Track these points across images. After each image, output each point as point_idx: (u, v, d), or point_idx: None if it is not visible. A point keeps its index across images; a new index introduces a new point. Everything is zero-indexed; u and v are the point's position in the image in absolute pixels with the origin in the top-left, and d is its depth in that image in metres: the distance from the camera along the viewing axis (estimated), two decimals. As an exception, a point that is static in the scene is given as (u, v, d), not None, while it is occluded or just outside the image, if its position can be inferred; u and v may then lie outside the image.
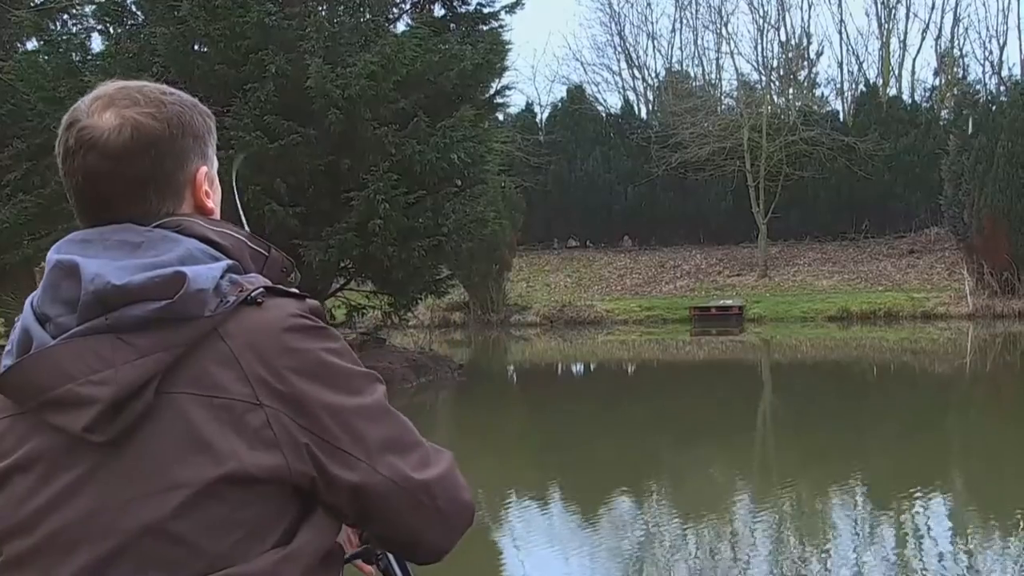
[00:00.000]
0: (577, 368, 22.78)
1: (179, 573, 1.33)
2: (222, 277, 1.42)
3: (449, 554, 1.56)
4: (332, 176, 15.59)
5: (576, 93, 39.65)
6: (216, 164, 1.62)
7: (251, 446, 1.36)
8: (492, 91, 18.37)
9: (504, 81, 18.66)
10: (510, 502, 8.63)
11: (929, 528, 7.52)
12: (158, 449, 1.35)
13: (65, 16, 19.08)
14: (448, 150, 15.65)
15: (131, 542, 1.33)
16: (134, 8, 16.88)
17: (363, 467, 1.41)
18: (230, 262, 1.45)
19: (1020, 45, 57.79)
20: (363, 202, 15.06)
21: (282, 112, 14.81)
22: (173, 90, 1.54)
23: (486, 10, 17.89)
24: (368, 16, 16.92)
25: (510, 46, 17.83)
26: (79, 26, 18.49)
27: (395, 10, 18.01)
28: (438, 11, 18.10)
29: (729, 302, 30.80)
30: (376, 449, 1.42)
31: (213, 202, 1.57)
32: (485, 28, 17.71)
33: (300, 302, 1.47)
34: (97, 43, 17.48)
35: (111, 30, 16.93)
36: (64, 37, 16.94)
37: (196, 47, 15.65)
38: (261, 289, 1.44)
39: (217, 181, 1.61)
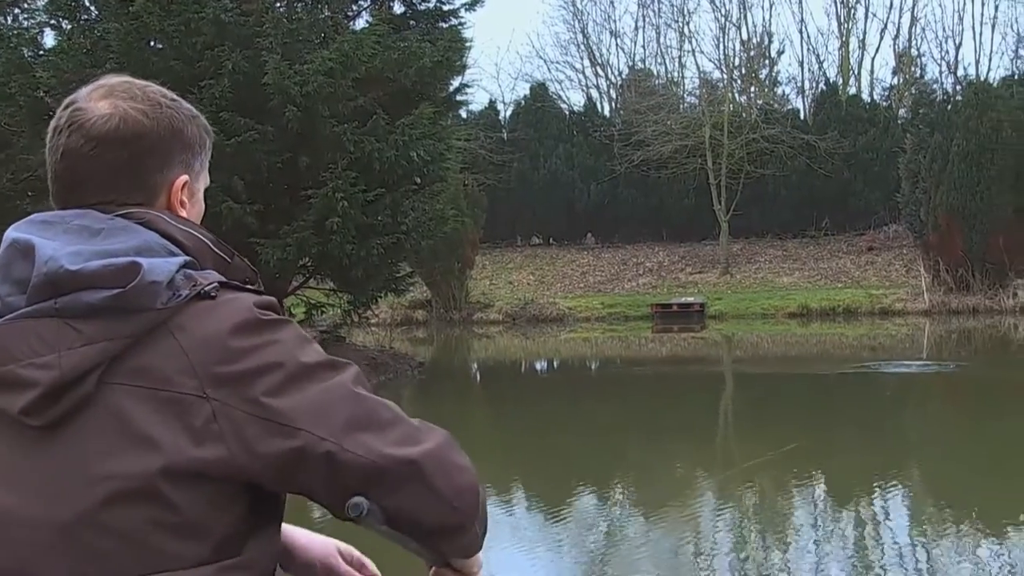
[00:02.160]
0: (540, 365, 22.79)
1: (112, 567, 1.29)
2: (178, 271, 1.39)
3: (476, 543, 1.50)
4: (290, 173, 15.50)
5: (539, 91, 39.67)
6: (204, 182, 1.61)
7: (196, 440, 1.33)
8: (452, 88, 18.34)
9: (464, 79, 18.67)
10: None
11: (888, 521, 7.57)
12: (95, 438, 1.32)
13: (16, 10, 18.83)
14: (407, 148, 15.60)
15: (62, 531, 1.30)
16: (87, 3, 16.65)
17: (329, 443, 1.35)
18: (188, 258, 1.43)
19: (975, 45, 58.25)
20: (321, 200, 14.98)
21: (239, 109, 14.69)
22: (177, 98, 1.55)
23: (446, 7, 17.85)
24: (327, 13, 16.84)
25: (470, 44, 17.82)
26: (31, 21, 18.22)
27: (354, 7, 17.90)
28: (397, 8, 18.02)
29: (691, 299, 30.92)
30: (342, 428, 1.37)
31: (188, 214, 1.54)
32: (445, 25, 17.67)
33: (256, 297, 1.44)
34: (49, 38, 17.28)
35: (63, 25, 16.70)
36: (15, 32, 16.69)
37: (151, 43, 15.51)
38: (215, 284, 1.41)
39: (199, 198, 1.60)
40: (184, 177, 1.54)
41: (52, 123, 1.49)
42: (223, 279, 1.45)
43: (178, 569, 1.31)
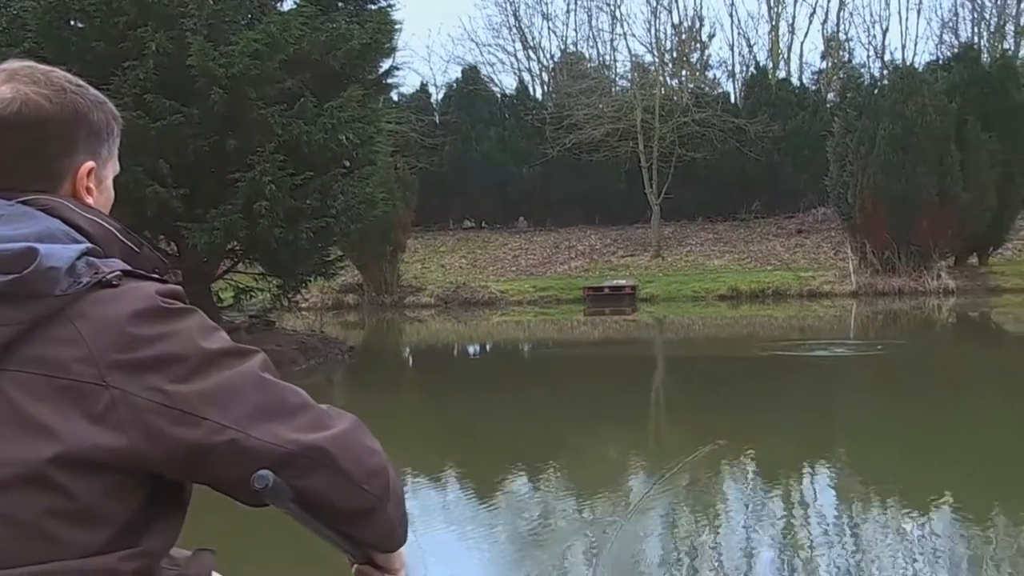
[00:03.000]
0: (472, 349, 22.76)
1: (4, 555, 1.26)
2: (79, 258, 1.36)
3: (399, 533, 1.52)
4: (217, 157, 15.28)
5: (471, 74, 39.61)
6: (114, 169, 1.59)
7: (95, 428, 1.30)
8: (382, 71, 18.21)
9: (394, 61, 18.55)
10: (404, 484, 8.56)
11: (816, 501, 7.66)
12: None
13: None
14: (336, 131, 15.48)
15: None
16: (4, -20, 16.30)
17: (233, 431, 1.34)
18: (90, 246, 1.39)
19: (901, 30, 59.20)
20: (249, 183, 14.81)
21: (163, 91, 14.45)
22: (84, 83, 1.53)
23: (375, -11, 17.70)
24: (253, -7, 16.62)
25: (400, 26, 17.69)
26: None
27: (281, -13, 17.71)
28: (326, -12, 17.84)
29: (622, 282, 31.09)
30: (248, 415, 1.36)
31: (95, 202, 1.52)
32: (374, 7, 17.51)
33: (159, 285, 1.41)
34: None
35: (-23, 3, 16.34)
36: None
37: (71, 22, 15.18)
38: (118, 272, 1.38)
39: (108, 185, 1.58)
40: (90, 164, 1.52)
41: None
42: (127, 267, 1.42)
43: (75, 558, 1.29)
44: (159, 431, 1.32)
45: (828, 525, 6.85)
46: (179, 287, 1.45)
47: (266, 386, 1.41)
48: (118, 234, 1.48)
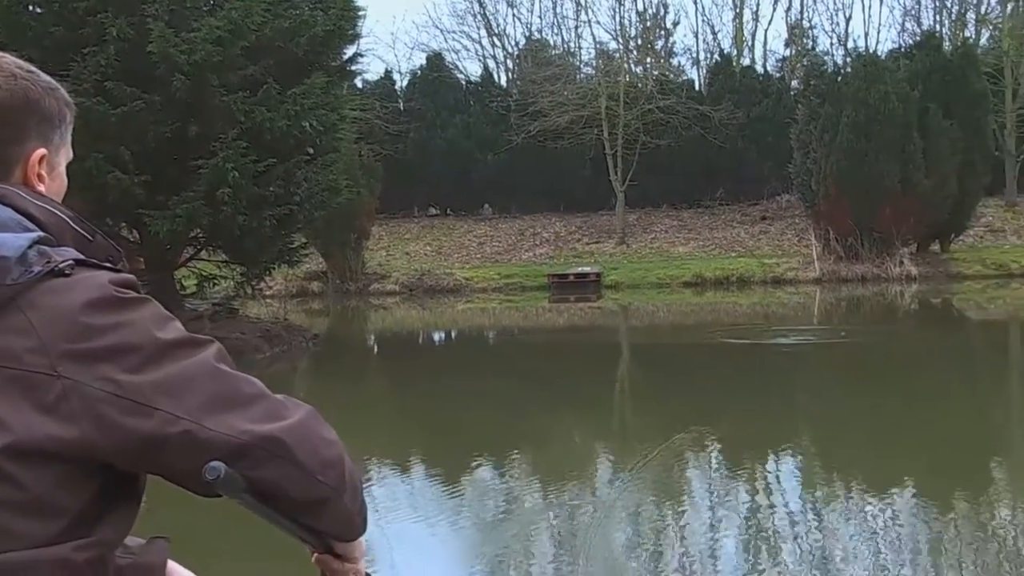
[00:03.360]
0: (437, 336, 22.74)
1: None
2: (30, 247, 1.33)
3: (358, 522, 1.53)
4: (179, 144, 15.16)
5: (436, 61, 39.49)
6: (67, 157, 1.56)
7: (46, 419, 1.28)
8: (345, 58, 18.12)
9: (358, 48, 18.46)
10: (369, 471, 8.55)
11: (780, 488, 7.71)
12: None
13: None
14: (299, 117, 15.39)
15: None
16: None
17: (187, 422, 1.32)
18: (42, 234, 1.36)
19: (864, 18, 59.60)
20: (211, 170, 14.70)
21: (124, 77, 14.31)
22: (35, 69, 1.49)
23: (338, -26, 17.56)
24: (215, -22, 16.47)
25: (363, 12, 17.61)
26: None
27: (244, -27, 17.54)
28: (288, -25, 17.69)
29: (587, 269, 31.14)
30: (202, 406, 1.34)
31: (47, 190, 1.49)
32: (337, -7, 17.39)
33: (113, 274, 1.38)
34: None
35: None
36: None
37: (30, 7, 14.99)
38: (70, 261, 1.35)
39: (60, 172, 1.55)
40: (41, 151, 1.49)
41: None
42: (80, 256, 1.39)
43: (27, 548, 1.27)
44: (111, 421, 1.30)
45: (793, 512, 6.89)
46: (133, 276, 1.43)
47: (221, 376, 1.39)
48: (71, 222, 1.45)
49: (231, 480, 1.34)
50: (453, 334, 23.00)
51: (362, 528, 1.59)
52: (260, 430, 1.36)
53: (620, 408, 12.67)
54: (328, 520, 1.49)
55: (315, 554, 1.65)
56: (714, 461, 8.75)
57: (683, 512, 6.94)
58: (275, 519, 1.45)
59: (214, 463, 1.32)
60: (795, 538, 6.25)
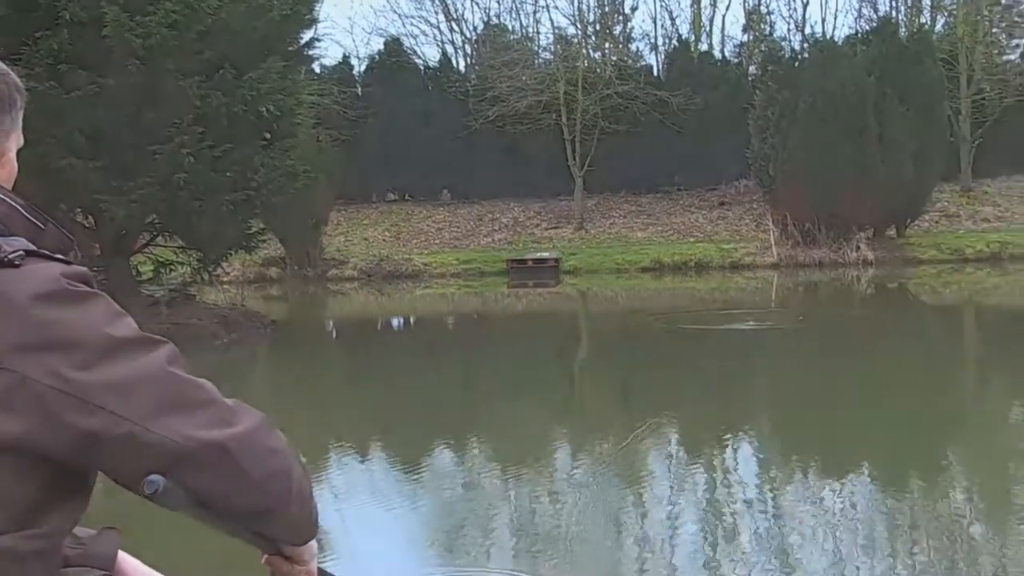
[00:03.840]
0: (395, 322, 22.69)
1: None
2: None
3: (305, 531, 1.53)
4: (134, 129, 14.96)
5: (394, 46, 39.24)
6: (17, 143, 1.53)
7: None
8: (302, 42, 17.99)
9: (315, 32, 18.32)
10: (328, 457, 8.54)
11: (738, 470, 7.77)
12: None
13: None
14: (256, 102, 15.27)
15: None
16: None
17: (130, 424, 1.30)
18: None
19: (821, 4, 59.90)
20: (167, 155, 14.56)
21: (78, 61, 14.11)
22: None
23: (295, -42, 17.41)
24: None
25: (321, -4, 17.46)
26: None
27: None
28: (244, -42, 17.52)
29: (545, 254, 31.15)
30: (149, 408, 1.31)
31: None
32: (294, -24, 17.25)
33: (65, 267, 1.36)
34: None
35: None
36: None
37: (-21, -10, 14.78)
38: (20, 252, 1.32)
39: (10, 158, 1.51)
40: None
41: None
42: (31, 247, 1.36)
43: None
44: (57, 417, 1.28)
45: (750, 497, 6.95)
46: (86, 269, 1.40)
47: (170, 379, 1.36)
48: (22, 210, 1.42)
49: (171, 494, 1.32)
50: (411, 320, 22.96)
51: (311, 533, 1.57)
52: (205, 436, 1.34)
53: (579, 393, 12.70)
54: (275, 528, 1.48)
55: (264, 556, 1.63)
56: (677, 445, 8.80)
57: (642, 497, 6.98)
58: (221, 524, 1.43)
59: (152, 477, 1.30)
60: (751, 517, 6.30)
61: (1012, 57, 36.76)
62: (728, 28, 75.06)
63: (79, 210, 16.30)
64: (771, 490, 7.04)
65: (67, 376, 1.28)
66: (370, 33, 72.14)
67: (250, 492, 1.38)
